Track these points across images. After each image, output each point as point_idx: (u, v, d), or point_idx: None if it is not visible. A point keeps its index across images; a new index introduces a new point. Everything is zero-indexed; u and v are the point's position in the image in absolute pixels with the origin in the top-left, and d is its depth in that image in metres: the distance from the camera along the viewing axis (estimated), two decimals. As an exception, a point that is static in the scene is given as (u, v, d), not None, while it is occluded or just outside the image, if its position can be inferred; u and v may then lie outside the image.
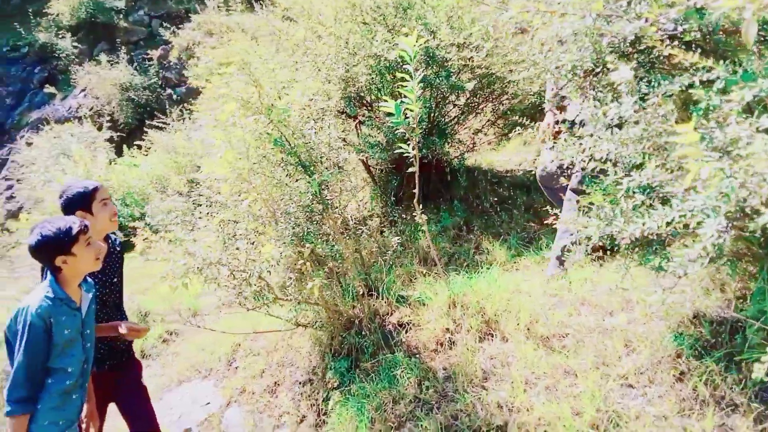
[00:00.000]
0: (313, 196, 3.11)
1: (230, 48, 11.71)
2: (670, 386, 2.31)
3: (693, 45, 2.14)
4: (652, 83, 1.95)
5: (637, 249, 2.35)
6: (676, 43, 2.12)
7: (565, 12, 2.23)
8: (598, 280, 3.26)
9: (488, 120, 5.45)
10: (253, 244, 2.88)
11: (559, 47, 2.48)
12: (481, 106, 5.25)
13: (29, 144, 12.11)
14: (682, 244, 2.13)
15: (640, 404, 2.30)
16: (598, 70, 2.35)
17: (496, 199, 5.13)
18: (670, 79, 2.04)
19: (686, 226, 1.66)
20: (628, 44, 2.34)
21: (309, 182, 3.01)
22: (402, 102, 3.05)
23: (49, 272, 2.31)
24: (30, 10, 15.07)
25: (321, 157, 3.09)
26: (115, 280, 2.82)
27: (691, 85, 2.02)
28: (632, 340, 2.58)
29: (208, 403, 4.12)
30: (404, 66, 3.06)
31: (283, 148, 2.87)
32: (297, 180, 3.22)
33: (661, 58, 2.25)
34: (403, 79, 3.58)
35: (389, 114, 3.35)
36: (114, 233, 2.86)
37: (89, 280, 2.57)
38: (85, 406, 2.63)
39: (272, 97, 2.82)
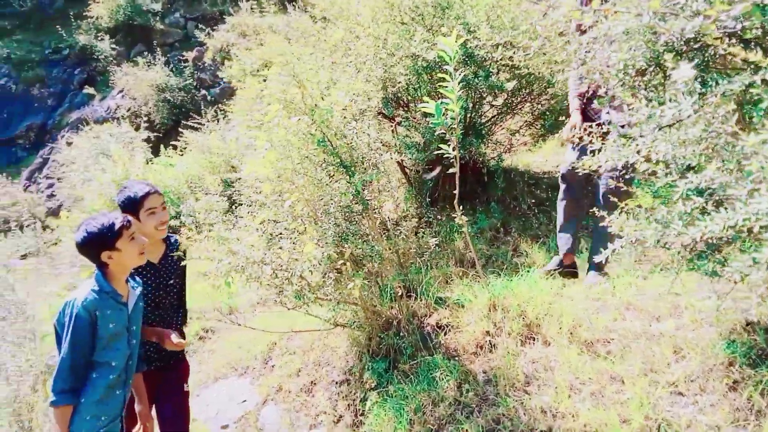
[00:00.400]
0: (353, 196, 3.10)
1: (265, 49, 11.87)
2: (723, 395, 2.24)
3: (753, 43, 2.06)
4: (708, 83, 1.89)
5: (683, 254, 2.28)
6: (734, 41, 2.05)
7: (619, 10, 2.19)
8: (643, 285, 3.19)
9: (525, 121, 5.39)
10: (294, 243, 2.88)
11: (608, 47, 2.43)
12: (519, 107, 5.18)
13: (69, 144, 12.44)
14: (738, 249, 2.07)
15: (691, 413, 2.23)
16: (650, 69, 2.29)
17: (533, 200, 5.06)
18: (729, 79, 1.97)
19: (750, 230, 1.60)
20: (682, 42, 2.28)
21: (350, 182, 3.01)
22: (442, 102, 3.02)
23: (96, 268, 2.35)
24: (71, 13, 15.47)
25: (362, 158, 3.09)
26: (171, 281, 2.82)
27: (751, 85, 1.95)
28: (681, 346, 2.51)
29: (245, 400, 4.16)
30: (444, 66, 3.04)
31: (325, 148, 2.87)
32: (337, 180, 3.22)
33: (716, 57, 2.18)
34: (441, 80, 3.56)
35: (428, 114, 3.34)
36: (172, 234, 2.88)
37: (137, 278, 2.61)
38: (137, 407, 2.68)
39: (315, 97, 2.82)
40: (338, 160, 3.01)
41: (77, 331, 2.24)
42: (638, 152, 1.88)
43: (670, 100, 1.87)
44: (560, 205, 3.97)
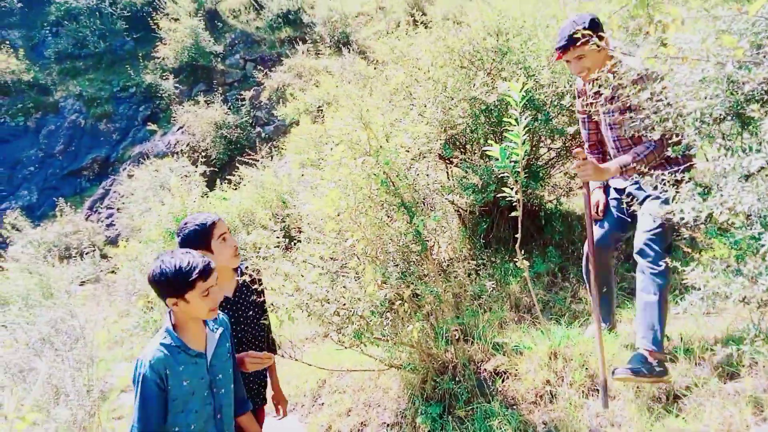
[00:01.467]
0: (413, 236, 3.11)
1: (320, 90, 12.22)
2: (813, 464, 2.09)
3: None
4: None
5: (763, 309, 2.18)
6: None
7: (699, 58, 2.16)
8: (716, 338, 3.04)
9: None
10: (358, 282, 2.90)
11: (682, 95, 2.39)
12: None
13: (131, 176, 12.98)
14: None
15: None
16: (728, 118, 2.24)
17: (591, 246, 4.94)
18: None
19: None
20: (764, 92, 2.23)
21: (410, 223, 3.02)
22: (506, 146, 3.03)
23: (167, 315, 2.14)
24: (140, 54, 16.35)
25: (423, 199, 3.11)
26: (251, 313, 2.69)
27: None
28: (763, 407, 2.37)
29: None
30: (508, 110, 3.07)
31: (388, 188, 2.91)
32: (396, 221, 3.24)
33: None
34: (500, 123, 3.57)
35: (488, 156, 3.34)
36: (243, 262, 2.76)
37: (221, 315, 2.33)
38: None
39: (380, 139, 2.88)
40: (399, 201, 3.03)
41: (145, 396, 1.99)
42: (722, 203, 1.82)
43: (752, 150, 1.81)
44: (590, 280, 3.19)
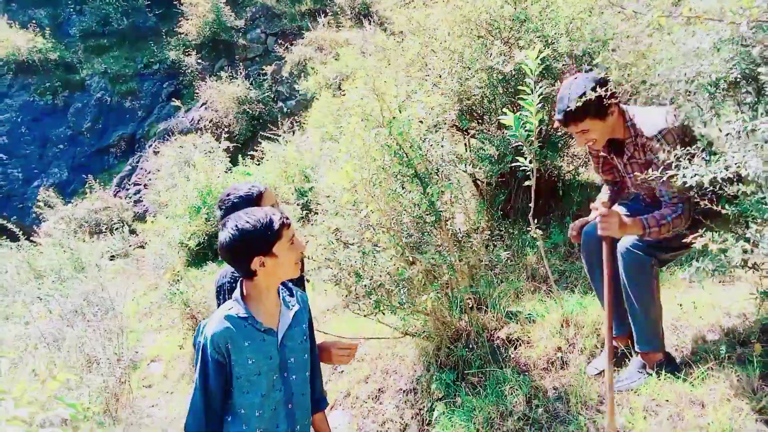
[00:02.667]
0: (426, 207, 3.15)
1: (341, 63, 12.19)
2: (818, 427, 2.11)
3: None
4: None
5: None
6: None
7: (713, 17, 2.13)
8: (729, 306, 3.04)
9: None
10: (370, 253, 2.96)
11: (695, 59, 2.36)
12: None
13: (156, 153, 13.23)
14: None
15: (781, 444, 2.12)
16: (743, 83, 2.21)
17: (609, 216, 4.92)
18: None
19: None
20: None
21: (424, 194, 3.06)
22: (521, 115, 3.03)
23: (239, 285, 1.96)
24: (163, 31, 16.47)
25: (436, 170, 3.14)
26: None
27: None
28: (770, 373, 2.38)
29: (315, 404, 4.27)
30: (524, 79, 3.05)
31: (401, 159, 2.94)
32: (410, 192, 3.28)
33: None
34: (517, 92, 3.56)
35: (505, 127, 3.34)
36: None
37: (299, 291, 2.13)
38: None
39: (393, 110, 2.90)
40: (413, 172, 3.07)
41: (205, 367, 1.85)
42: (727, 168, 1.82)
43: (762, 114, 1.80)
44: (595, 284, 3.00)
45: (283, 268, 1.89)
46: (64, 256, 7.98)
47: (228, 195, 2.38)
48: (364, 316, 3.10)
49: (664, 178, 2.22)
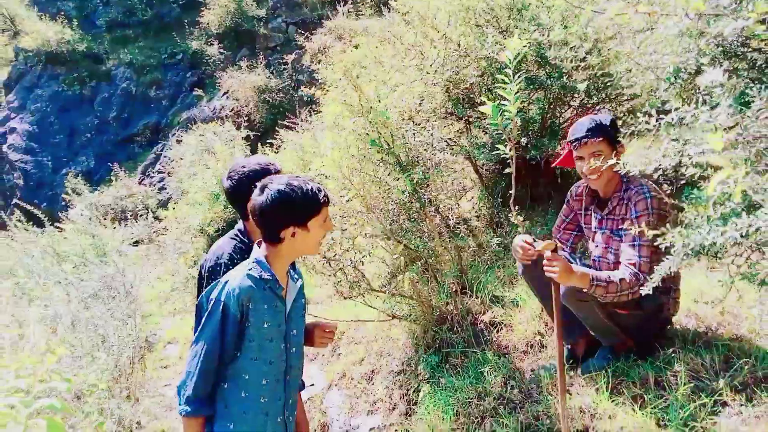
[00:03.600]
0: (410, 194, 3.25)
1: (359, 52, 12.24)
2: (770, 408, 2.16)
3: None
4: (750, 87, 1.85)
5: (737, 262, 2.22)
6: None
7: (667, 12, 2.17)
8: (708, 292, 3.08)
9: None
10: (344, 234, 3.07)
11: (662, 48, 2.40)
12: (597, 108, 5.07)
13: (179, 141, 13.53)
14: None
15: (733, 423, 2.17)
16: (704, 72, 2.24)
17: (609, 204, 4.94)
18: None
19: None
20: (739, 44, 2.22)
21: (406, 181, 3.15)
22: (500, 104, 3.09)
23: (259, 247, 1.90)
24: (186, 21, 16.75)
25: (418, 158, 3.23)
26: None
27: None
28: (733, 356, 2.43)
29: (313, 384, 4.42)
30: (505, 69, 3.10)
31: (380, 148, 3.04)
32: (397, 179, 3.38)
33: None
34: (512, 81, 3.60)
35: (502, 115, 3.40)
36: None
37: (297, 267, 2.10)
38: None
39: (372, 100, 3.00)
40: (395, 159, 3.16)
41: (223, 326, 1.75)
42: (663, 156, 1.88)
43: (703, 103, 1.84)
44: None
45: (309, 244, 1.86)
46: (86, 241, 8.28)
47: (243, 166, 2.23)
48: (344, 298, 3.21)
49: (636, 243, 2.41)
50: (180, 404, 1.79)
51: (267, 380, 1.85)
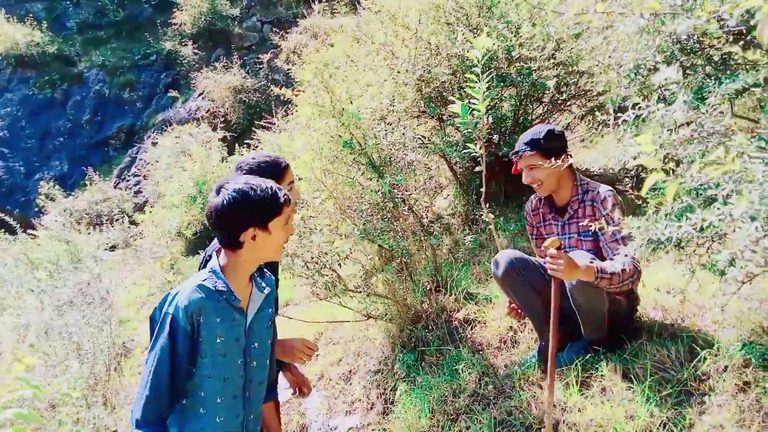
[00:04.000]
0: (383, 194, 3.26)
1: (335, 50, 12.21)
2: (732, 396, 2.22)
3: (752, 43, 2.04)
4: (706, 83, 1.90)
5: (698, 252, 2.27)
6: (742, 42, 2.03)
7: (623, 12, 2.22)
8: (675, 283, 3.14)
9: (575, 117, 5.32)
10: (324, 237, 3.08)
11: (622, 46, 2.45)
12: (567, 103, 5.14)
13: (155, 144, 13.36)
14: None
15: (695, 412, 2.23)
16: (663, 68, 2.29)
17: (581, 198, 5.01)
18: (734, 78, 1.97)
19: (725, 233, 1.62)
20: (695, 41, 2.27)
21: (378, 182, 3.16)
22: (470, 103, 3.12)
23: (215, 256, 1.80)
24: (158, 21, 16.54)
25: (390, 158, 3.24)
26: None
27: (756, 84, 1.94)
28: (698, 347, 2.49)
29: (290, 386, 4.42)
30: (474, 68, 3.13)
31: (353, 149, 3.05)
32: (370, 179, 3.39)
33: (727, 58, 2.16)
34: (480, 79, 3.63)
35: (472, 114, 3.43)
36: None
37: (267, 273, 1.98)
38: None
39: (343, 101, 3.00)
40: (368, 160, 3.17)
41: (173, 341, 1.65)
42: (624, 152, 1.92)
43: (662, 100, 1.89)
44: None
45: (270, 247, 1.78)
46: (60, 248, 8.17)
47: (253, 158, 2.19)
48: (319, 299, 3.22)
49: (618, 236, 2.48)
50: (132, 429, 1.66)
51: (222, 398, 1.74)
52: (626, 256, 2.41)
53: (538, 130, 2.71)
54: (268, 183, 1.75)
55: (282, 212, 1.75)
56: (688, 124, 2.00)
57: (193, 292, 1.68)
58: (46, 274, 7.10)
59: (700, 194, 1.82)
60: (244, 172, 2.12)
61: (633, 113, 1.91)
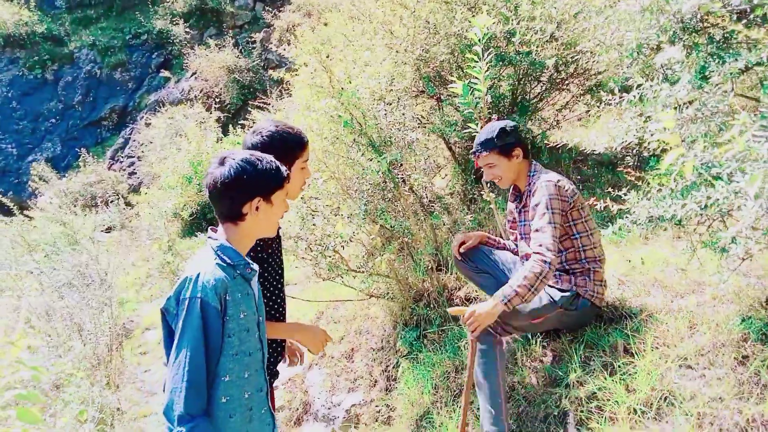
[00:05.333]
0: (383, 174, 3.27)
1: (322, 31, 12.08)
2: (731, 369, 2.27)
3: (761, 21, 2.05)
4: (708, 62, 1.91)
5: (699, 230, 2.31)
6: (745, 21, 2.04)
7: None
8: (674, 261, 3.18)
9: (573, 96, 5.32)
10: (327, 220, 3.10)
11: (624, 26, 2.45)
12: (566, 82, 5.13)
13: (148, 125, 13.25)
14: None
15: (697, 385, 2.28)
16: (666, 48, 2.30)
17: (579, 177, 5.03)
18: (737, 57, 1.98)
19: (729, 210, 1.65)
20: (698, 20, 2.28)
21: (379, 162, 3.17)
22: (470, 83, 3.12)
23: (215, 232, 1.76)
24: (149, 0, 16.29)
25: (390, 138, 3.25)
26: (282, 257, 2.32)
27: (759, 63, 1.95)
28: (697, 322, 2.54)
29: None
30: (474, 47, 3.13)
31: (353, 129, 3.05)
32: (370, 159, 3.39)
33: (730, 37, 2.17)
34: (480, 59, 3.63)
35: (472, 93, 3.44)
36: None
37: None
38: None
39: (343, 81, 3.00)
40: (368, 140, 3.17)
41: (205, 326, 1.57)
42: (627, 132, 1.94)
43: (664, 79, 1.90)
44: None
45: (271, 220, 1.77)
46: (57, 229, 8.15)
47: (276, 126, 2.09)
48: (323, 279, 3.25)
49: (534, 228, 2.52)
50: (172, 429, 1.54)
51: (248, 373, 1.70)
52: (536, 254, 2.48)
53: (491, 129, 2.75)
54: (266, 157, 1.74)
55: (283, 187, 1.76)
56: (690, 103, 2.03)
57: (216, 270, 1.63)
58: (43, 255, 7.09)
59: (703, 173, 1.85)
60: (264, 136, 2.05)
61: (638, 93, 1.93)
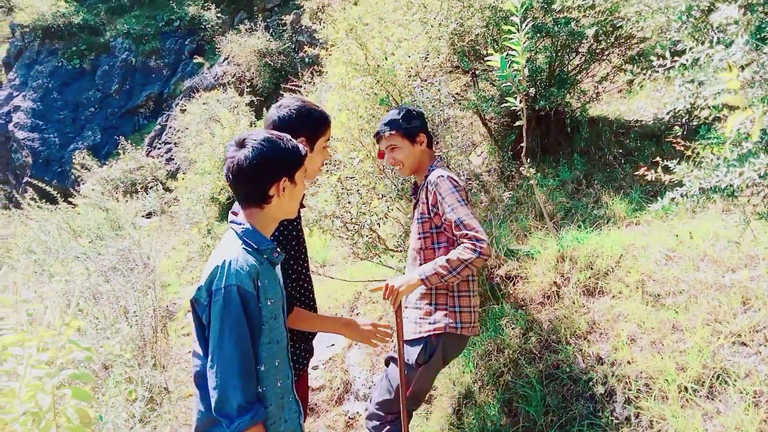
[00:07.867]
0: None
1: (353, 10, 11.97)
2: (789, 346, 2.18)
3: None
4: (766, 22, 1.79)
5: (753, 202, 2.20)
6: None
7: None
8: (724, 234, 3.06)
9: (614, 67, 5.14)
10: (362, 198, 3.07)
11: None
12: (606, 53, 4.96)
13: (183, 111, 13.44)
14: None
15: (752, 362, 2.20)
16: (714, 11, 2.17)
17: (621, 150, 4.88)
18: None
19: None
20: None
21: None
22: (508, 55, 3.03)
23: (236, 216, 1.73)
24: (180, -14, 16.42)
25: (427, 115, 3.18)
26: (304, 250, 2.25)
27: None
28: (751, 297, 2.44)
29: (333, 344, 4.51)
30: (511, 17, 3.03)
31: (389, 106, 3.00)
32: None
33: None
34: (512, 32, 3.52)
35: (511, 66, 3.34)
36: None
37: None
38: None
39: (379, 58, 2.94)
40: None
41: (246, 314, 1.54)
42: (697, 95, 1.84)
43: (718, 42, 1.79)
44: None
45: (294, 200, 1.72)
46: (100, 216, 8.36)
47: (302, 101, 2.05)
48: (361, 259, 3.24)
49: (458, 222, 2.28)
50: (233, 422, 1.51)
51: (278, 360, 1.66)
52: (465, 238, 2.28)
53: (397, 111, 2.60)
54: (285, 136, 1.69)
55: (302, 165, 1.71)
56: (746, 66, 1.91)
57: (246, 255, 1.59)
58: (88, 241, 7.30)
59: (763, 139, 1.75)
60: (290, 110, 1.99)
61: (691, 56, 1.82)
